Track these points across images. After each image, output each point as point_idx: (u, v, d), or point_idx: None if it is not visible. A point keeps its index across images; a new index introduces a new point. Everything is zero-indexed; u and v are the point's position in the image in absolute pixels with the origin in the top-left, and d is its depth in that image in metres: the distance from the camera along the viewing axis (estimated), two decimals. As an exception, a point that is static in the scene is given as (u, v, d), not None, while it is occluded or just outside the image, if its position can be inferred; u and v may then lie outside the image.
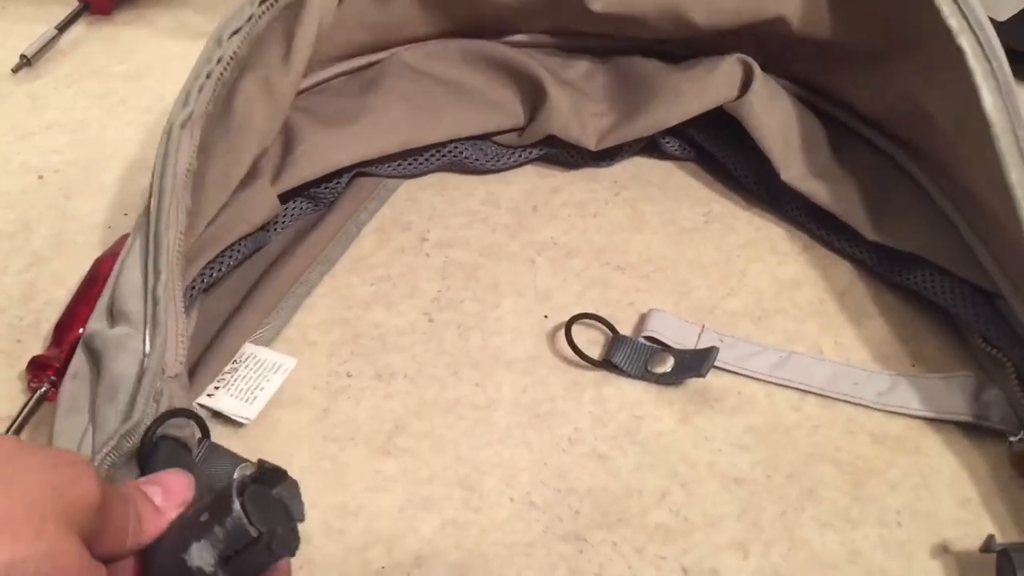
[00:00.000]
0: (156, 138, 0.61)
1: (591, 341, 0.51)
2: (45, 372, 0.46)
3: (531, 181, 0.60)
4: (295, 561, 0.40)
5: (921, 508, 0.44)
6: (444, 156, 0.59)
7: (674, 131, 0.59)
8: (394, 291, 0.53)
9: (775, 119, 0.55)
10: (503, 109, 0.59)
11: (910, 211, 0.52)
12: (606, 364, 0.49)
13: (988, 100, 0.43)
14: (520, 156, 0.60)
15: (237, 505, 0.31)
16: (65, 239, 0.56)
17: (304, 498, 0.37)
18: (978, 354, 0.48)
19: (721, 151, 0.59)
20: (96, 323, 0.42)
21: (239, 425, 0.46)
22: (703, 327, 0.51)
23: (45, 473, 0.27)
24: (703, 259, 0.55)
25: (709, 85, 0.56)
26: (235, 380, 0.46)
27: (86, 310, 0.48)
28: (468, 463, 0.45)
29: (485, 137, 0.59)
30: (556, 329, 0.51)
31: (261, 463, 0.33)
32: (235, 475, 0.38)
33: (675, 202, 0.59)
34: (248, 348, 0.48)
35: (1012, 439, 0.44)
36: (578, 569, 0.41)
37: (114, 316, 0.42)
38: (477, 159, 0.59)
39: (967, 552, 0.42)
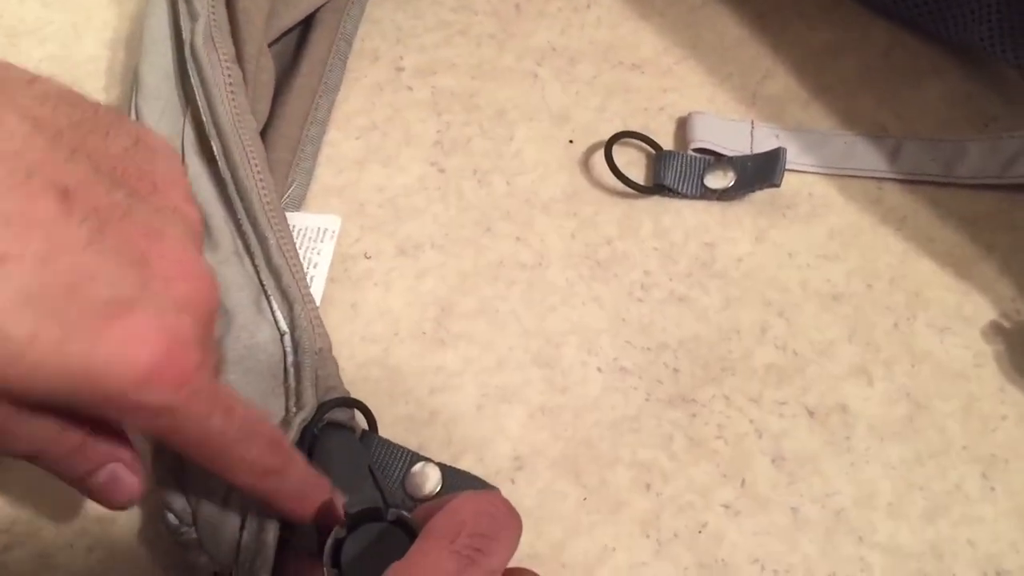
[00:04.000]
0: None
1: (631, 163, 0.44)
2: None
3: (501, -27, 0.50)
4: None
5: (1036, 289, 0.40)
6: None
7: None
8: (386, 141, 0.44)
9: None
10: None
11: None
12: (657, 188, 0.42)
13: None
14: None
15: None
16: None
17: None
18: None
19: None
20: None
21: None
22: (752, 123, 0.44)
23: None
24: (726, 39, 0.48)
25: None
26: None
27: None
28: (537, 335, 0.39)
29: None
30: (588, 155, 0.44)
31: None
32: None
33: (675, -27, 0.50)
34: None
35: None
36: (695, 435, 0.37)
37: None
38: None
39: (1097, 331, 0.39)
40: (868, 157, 0.43)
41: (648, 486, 0.36)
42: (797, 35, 0.48)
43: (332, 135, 0.44)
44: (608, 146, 0.42)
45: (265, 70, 0.43)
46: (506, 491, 0.35)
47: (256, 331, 0.34)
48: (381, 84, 0.46)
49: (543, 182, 0.43)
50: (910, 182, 0.43)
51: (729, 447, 0.36)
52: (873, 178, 0.43)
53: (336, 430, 0.33)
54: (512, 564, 0.28)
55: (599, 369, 0.38)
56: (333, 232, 0.40)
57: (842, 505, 0.35)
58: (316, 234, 0.40)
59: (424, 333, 0.39)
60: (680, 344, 0.39)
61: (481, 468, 0.36)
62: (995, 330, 0.39)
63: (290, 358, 0.34)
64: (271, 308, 0.35)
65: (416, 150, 0.44)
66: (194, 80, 0.39)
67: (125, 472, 0.29)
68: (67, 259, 0.24)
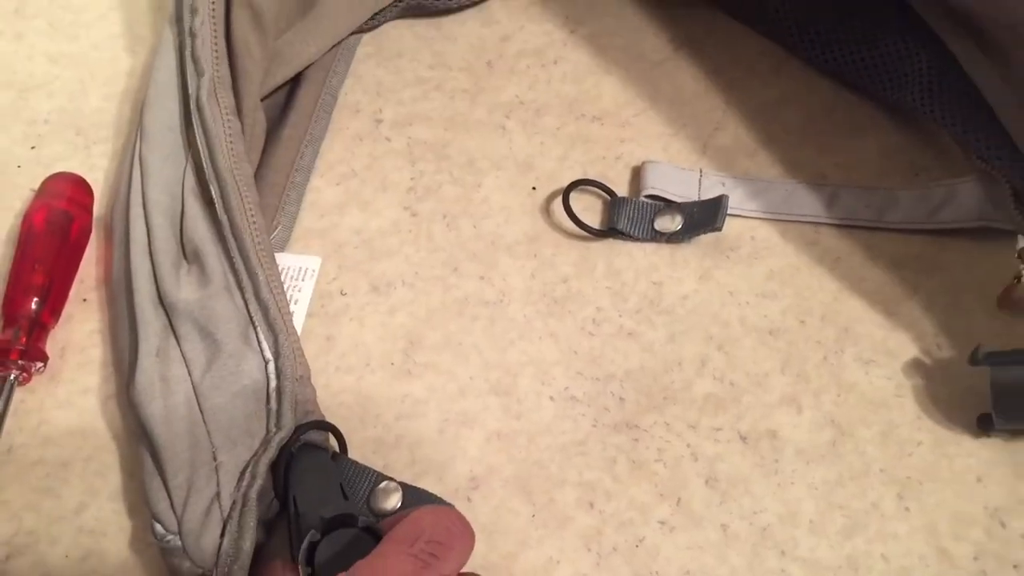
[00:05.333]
0: (30, 46, 0.52)
1: (588, 208, 0.47)
2: (8, 357, 0.41)
3: (476, 33, 0.55)
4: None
5: (956, 326, 0.43)
6: (401, 2, 0.53)
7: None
8: (364, 188, 0.48)
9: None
10: None
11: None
12: (611, 232, 0.46)
13: None
14: None
15: None
16: (-30, 189, 0.49)
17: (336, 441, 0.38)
18: (971, 167, 0.46)
19: None
20: (181, 289, 0.40)
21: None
22: (701, 171, 0.48)
23: None
24: (682, 93, 0.52)
25: None
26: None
27: (36, 276, 0.43)
28: (496, 367, 0.43)
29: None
30: (549, 201, 0.48)
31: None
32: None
33: (637, 32, 0.54)
34: None
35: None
36: (637, 458, 0.40)
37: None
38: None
39: (1009, 364, 0.42)
40: (807, 203, 0.47)
41: (592, 504, 0.39)
42: (748, 90, 0.52)
43: (315, 182, 0.48)
44: (566, 193, 0.46)
45: (258, 123, 0.47)
46: (463, 508, 0.39)
47: (242, 359, 0.38)
48: (361, 135, 0.50)
49: (507, 226, 0.47)
50: (845, 227, 0.47)
51: (667, 469, 0.40)
52: (811, 223, 0.47)
53: (311, 450, 0.37)
54: (466, 571, 0.32)
55: (551, 398, 0.42)
56: (313, 271, 0.44)
57: (768, 522, 0.39)
58: (298, 273, 0.44)
59: (393, 364, 0.43)
60: (627, 375, 0.42)
61: (441, 487, 0.39)
62: (916, 364, 0.42)
63: (273, 383, 0.38)
64: (258, 338, 0.39)
65: (391, 196, 0.48)
66: (197, 130, 0.43)
67: None
68: None
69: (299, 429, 0.37)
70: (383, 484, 0.37)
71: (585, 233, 0.46)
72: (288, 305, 0.40)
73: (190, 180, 0.43)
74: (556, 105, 0.51)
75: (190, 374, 0.38)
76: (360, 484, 0.37)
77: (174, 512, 0.36)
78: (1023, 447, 0.40)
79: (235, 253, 0.41)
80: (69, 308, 0.44)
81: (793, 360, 0.43)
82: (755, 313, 0.44)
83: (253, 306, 0.40)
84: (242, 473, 0.36)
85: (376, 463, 0.39)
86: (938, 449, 0.40)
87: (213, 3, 0.44)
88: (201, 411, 0.37)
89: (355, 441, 0.40)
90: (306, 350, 0.42)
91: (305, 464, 0.36)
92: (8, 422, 0.41)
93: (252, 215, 0.41)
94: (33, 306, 0.42)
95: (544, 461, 0.40)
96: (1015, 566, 0.37)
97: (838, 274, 0.45)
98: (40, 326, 0.42)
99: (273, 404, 0.38)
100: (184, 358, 0.39)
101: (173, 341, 0.39)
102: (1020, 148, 0.43)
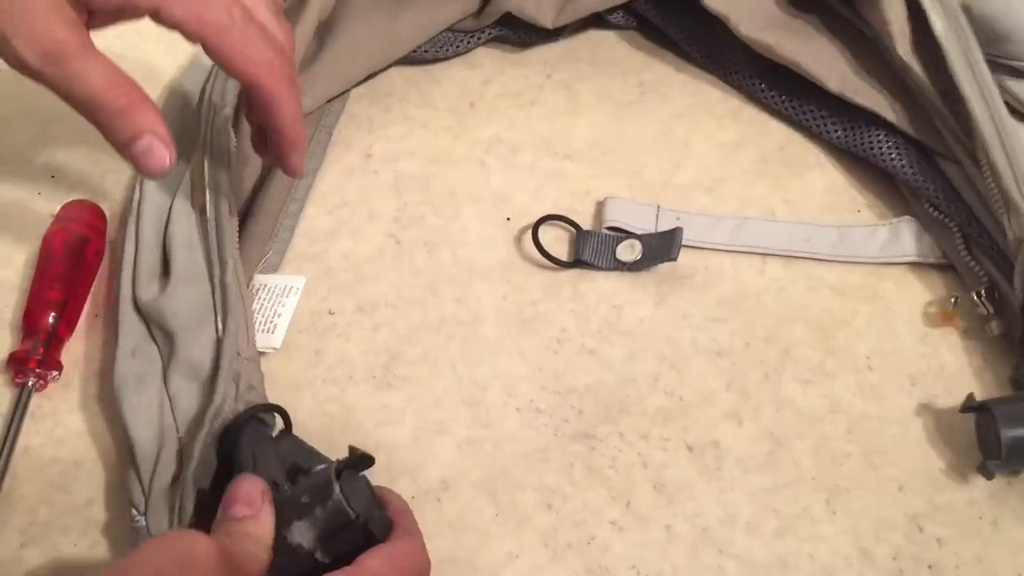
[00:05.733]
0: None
1: (557, 239, 0.52)
2: (26, 366, 0.45)
3: (460, 75, 0.60)
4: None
5: (887, 350, 0.48)
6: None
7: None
8: (354, 217, 0.53)
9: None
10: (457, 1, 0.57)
11: (871, 69, 0.53)
12: (577, 263, 0.51)
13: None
14: (470, 41, 0.59)
15: (337, 489, 0.34)
16: (-6, 213, 0.54)
17: (321, 446, 0.41)
18: (922, 218, 0.51)
19: (664, 21, 0.58)
20: (146, 292, 0.45)
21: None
22: (659, 207, 0.52)
23: None
24: (646, 134, 0.56)
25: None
26: (252, 314, 0.46)
27: (54, 293, 0.47)
28: (468, 381, 0.47)
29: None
30: (522, 231, 0.52)
31: (352, 449, 0.36)
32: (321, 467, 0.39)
33: (608, 77, 0.59)
34: (257, 279, 0.49)
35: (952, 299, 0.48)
36: (592, 464, 0.44)
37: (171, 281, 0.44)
38: (427, 51, 0.58)
39: (933, 385, 0.46)
40: (756, 236, 0.51)
41: (550, 505, 0.43)
42: (707, 132, 0.56)
43: (309, 210, 0.53)
44: (534, 229, 0.51)
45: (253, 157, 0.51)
46: (433, 508, 0.43)
47: (195, 342, 0.42)
48: (352, 168, 0.55)
49: (483, 253, 0.51)
50: (790, 258, 0.51)
51: (619, 475, 0.44)
52: (759, 254, 0.51)
53: (255, 428, 0.40)
54: (434, 566, 0.36)
55: (517, 409, 0.46)
56: (297, 289, 0.49)
57: (708, 523, 0.43)
58: (283, 290, 0.48)
59: (375, 377, 0.47)
60: (586, 389, 0.47)
61: (414, 488, 0.44)
62: (849, 385, 0.47)
63: (213, 358, 0.42)
64: (215, 319, 0.43)
65: (378, 224, 0.52)
66: (205, 134, 0.48)
67: (159, 145, 0.37)
68: None
69: (250, 409, 0.40)
70: (320, 467, 0.38)
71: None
72: (250, 294, 0.45)
73: (184, 187, 0.48)
74: (531, 143, 0.56)
75: (164, 369, 0.42)
76: (301, 460, 0.40)
77: (144, 496, 0.40)
78: (942, 460, 0.44)
79: (213, 244, 0.45)
80: (83, 323, 0.48)
81: (737, 379, 0.47)
82: (705, 335, 0.48)
83: (218, 293, 0.44)
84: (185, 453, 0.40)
85: (356, 466, 0.44)
86: (865, 460, 0.44)
87: None
88: (169, 399, 0.41)
89: (338, 445, 0.44)
90: (295, 363, 0.47)
91: (251, 437, 0.40)
92: (26, 424, 0.45)
93: (234, 219, 0.46)
94: (50, 320, 0.46)
95: (508, 466, 0.44)
96: (930, 566, 0.42)
97: (782, 301, 0.49)
98: (56, 338, 0.46)
99: (212, 376, 0.41)
100: (160, 355, 0.43)
101: (149, 341, 0.44)
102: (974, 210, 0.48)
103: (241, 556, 0.33)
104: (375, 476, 0.43)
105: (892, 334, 0.48)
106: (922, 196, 0.51)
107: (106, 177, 0.54)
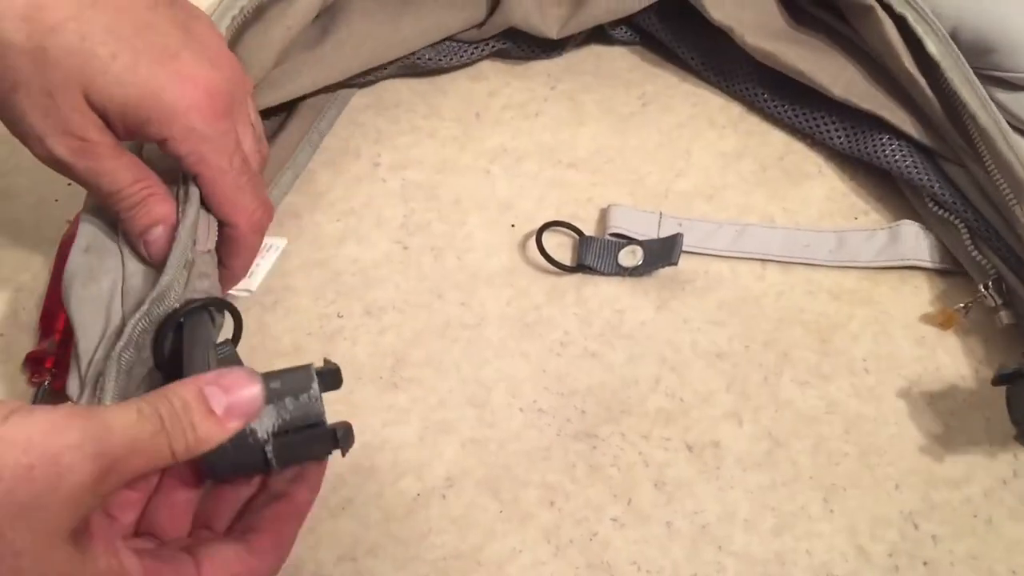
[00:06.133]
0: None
1: (561, 244, 0.53)
2: (43, 365, 0.47)
3: (466, 87, 0.61)
4: (336, 502, 0.43)
5: (883, 353, 0.49)
6: (398, 62, 0.58)
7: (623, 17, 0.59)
8: (361, 224, 0.54)
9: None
10: (462, 5, 0.58)
11: (874, 76, 0.54)
12: (580, 268, 0.52)
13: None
14: (474, 53, 0.60)
15: (317, 385, 0.31)
16: (9, 220, 0.55)
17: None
18: (927, 218, 0.52)
19: (667, 34, 0.60)
20: None
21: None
22: (661, 214, 0.54)
23: None
24: (648, 143, 0.58)
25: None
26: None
27: (68, 297, 0.48)
28: (472, 382, 0.48)
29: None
30: (526, 237, 0.53)
31: (327, 362, 0.35)
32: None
33: (610, 88, 0.61)
34: None
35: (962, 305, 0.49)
36: (594, 463, 0.45)
37: None
38: (431, 59, 0.59)
39: (929, 386, 0.47)
40: (755, 243, 0.52)
41: (552, 503, 0.44)
42: (708, 141, 0.58)
43: (317, 217, 0.54)
44: (539, 234, 0.52)
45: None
46: (438, 505, 0.44)
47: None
48: (360, 176, 0.56)
49: (487, 259, 0.53)
50: (789, 263, 0.52)
51: (621, 473, 0.45)
52: (759, 260, 0.52)
53: (203, 319, 0.39)
54: (439, 563, 0.36)
55: (521, 409, 0.47)
56: (279, 247, 0.51)
57: (707, 521, 0.44)
58: (266, 247, 0.50)
59: (381, 378, 0.48)
60: (588, 390, 0.48)
61: (420, 485, 0.45)
62: (845, 386, 0.48)
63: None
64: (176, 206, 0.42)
65: (385, 231, 0.54)
66: None
67: (167, 234, 0.41)
68: (136, 12, 0.39)
69: (199, 301, 0.39)
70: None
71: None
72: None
73: None
74: (536, 152, 0.57)
75: (123, 265, 0.41)
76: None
77: (80, 383, 0.38)
78: (938, 459, 0.45)
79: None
80: (97, 325, 0.50)
81: (736, 380, 0.48)
82: (705, 338, 0.49)
83: (182, 186, 0.42)
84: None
85: (363, 464, 0.45)
86: (861, 460, 0.45)
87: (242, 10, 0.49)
88: (122, 291, 0.40)
89: (345, 444, 0.45)
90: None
91: (190, 334, 0.38)
92: (41, 423, 0.46)
93: None
94: (66, 321, 0.48)
95: (511, 465, 0.45)
96: (925, 563, 0.42)
97: (780, 305, 0.50)
98: (72, 339, 0.48)
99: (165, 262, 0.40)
100: (120, 251, 0.42)
101: (106, 236, 0.42)
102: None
103: (142, 446, 0.29)
104: (379, 473, 0.44)
105: (888, 337, 0.49)
106: (926, 195, 0.51)
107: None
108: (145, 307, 0.38)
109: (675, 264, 0.50)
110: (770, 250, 0.52)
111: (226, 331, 0.43)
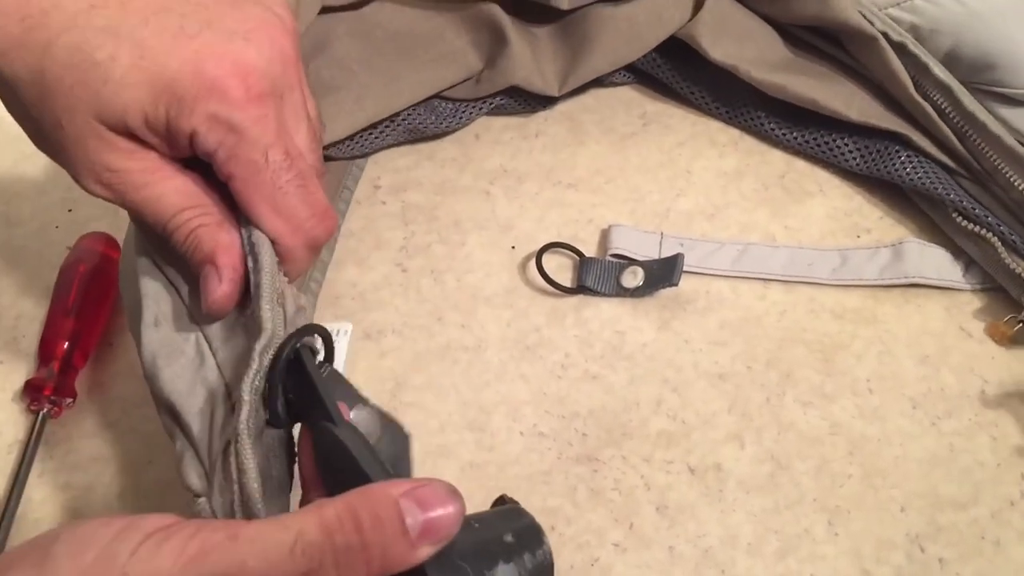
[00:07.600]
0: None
1: (561, 266, 0.53)
2: (42, 393, 0.46)
3: (467, 108, 0.61)
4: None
5: (887, 372, 0.48)
6: (399, 126, 0.57)
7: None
8: (361, 246, 0.54)
9: (731, 32, 0.56)
10: (457, 60, 0.57)
11: (880, 97, 0.54)
12: (579, 289, 0.51)
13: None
14: (473, 111, 0.58)
15: (547, 541, 0.30)
16: (13, 247, 0.55)
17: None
18: (952, 231, 0.52)
19: (667, 74, 0.59)
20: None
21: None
22: (662, 234, 0.53)
23: None
24: (648, 163, 0.57)
25: (663, 14, 0.56)
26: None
27: (68, 322, 0.48)
28: (472, 405, 0.48)
29: (437, 94, 0.58)
30: (526, 258, 0.53)
31: (502, 498, 0.33)
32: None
33: (610, 108, 0.60)
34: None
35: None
36: (596, 487, 0.45)
37: None
38: (432, 122, 0.57)
39: (933, 406, 0.47)
40: (757, 262, 0.52)
41: (553, 527, 0.44)
42: (708, 161, 0.57)
43: (317, 241, 0.54)
44: (539, 255, 0.52)
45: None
46: (438, 529, 0.43)
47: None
48: (360, 199, 0.56)
49: (487, 280, 0.52)
50: (791, 282, 0.52)
51: (622, 497, 0.45)
52: (761, 279, 0.52)
53: (308, 354, 0.33)
54: None
55: (521, 433, 0.47)
56: (347, 331, 0.49)
57: (710, 544, 0.43)
58: (333, 332, 0.45)
59: (381, 402, 0.48)
60: (589, 413, 0.47)
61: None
62: (849, 406, 0.47)
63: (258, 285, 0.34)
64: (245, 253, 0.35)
65: (385, 253, 0.54)
66: None
67: (216, 278, 0.33)
68: None
69: (295, 334, 0.32)
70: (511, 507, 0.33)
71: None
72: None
73: None
74: (536, 173, 0.57)
75: (202, 330, 0.36)
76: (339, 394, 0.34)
77: (205, 472, 0.33)
78: (943, 481, 0.45)
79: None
80: (96, 351, 0.49)
81: (739, 401, 0.47)
82: (707, 359, 0.49)
83: (245, 234, 0.35)
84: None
85: (362, 489, 0.44)
86: (866, 481, 0.45)
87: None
88: (213, 354, 0.35)
89: (345, 470, 0.45)
90: (304, 390, 0.47)
91: (305, 366, 0.32)
92: (40, 450, 0.46)
93: None
94: (65, 348, 0.48)
95: (512, 489, 0.45)
96: (932, 586, 0.42)
97: (782, 325, 0.50)
98: (71, 366, 0.48)
99: (257, 303, 0.33)
100: (184, 302, 0.36)
101: (165, 295, 0.37)
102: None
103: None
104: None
105: (892, 356, 0.49)
106: (952, 209, 0.51)
107: (121, 210, 0.55)
108: (255, 365, 0.32)
109: (676, 285, 0.50)
110: (772, 269, 0.52)
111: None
